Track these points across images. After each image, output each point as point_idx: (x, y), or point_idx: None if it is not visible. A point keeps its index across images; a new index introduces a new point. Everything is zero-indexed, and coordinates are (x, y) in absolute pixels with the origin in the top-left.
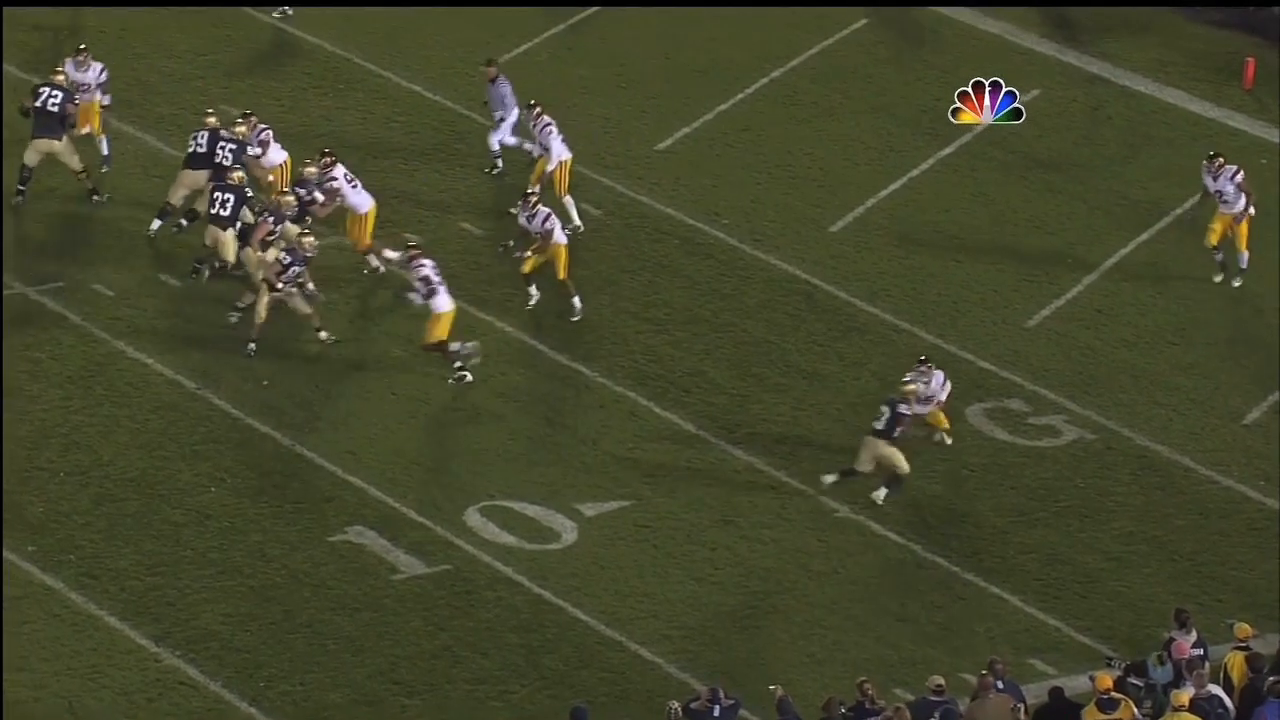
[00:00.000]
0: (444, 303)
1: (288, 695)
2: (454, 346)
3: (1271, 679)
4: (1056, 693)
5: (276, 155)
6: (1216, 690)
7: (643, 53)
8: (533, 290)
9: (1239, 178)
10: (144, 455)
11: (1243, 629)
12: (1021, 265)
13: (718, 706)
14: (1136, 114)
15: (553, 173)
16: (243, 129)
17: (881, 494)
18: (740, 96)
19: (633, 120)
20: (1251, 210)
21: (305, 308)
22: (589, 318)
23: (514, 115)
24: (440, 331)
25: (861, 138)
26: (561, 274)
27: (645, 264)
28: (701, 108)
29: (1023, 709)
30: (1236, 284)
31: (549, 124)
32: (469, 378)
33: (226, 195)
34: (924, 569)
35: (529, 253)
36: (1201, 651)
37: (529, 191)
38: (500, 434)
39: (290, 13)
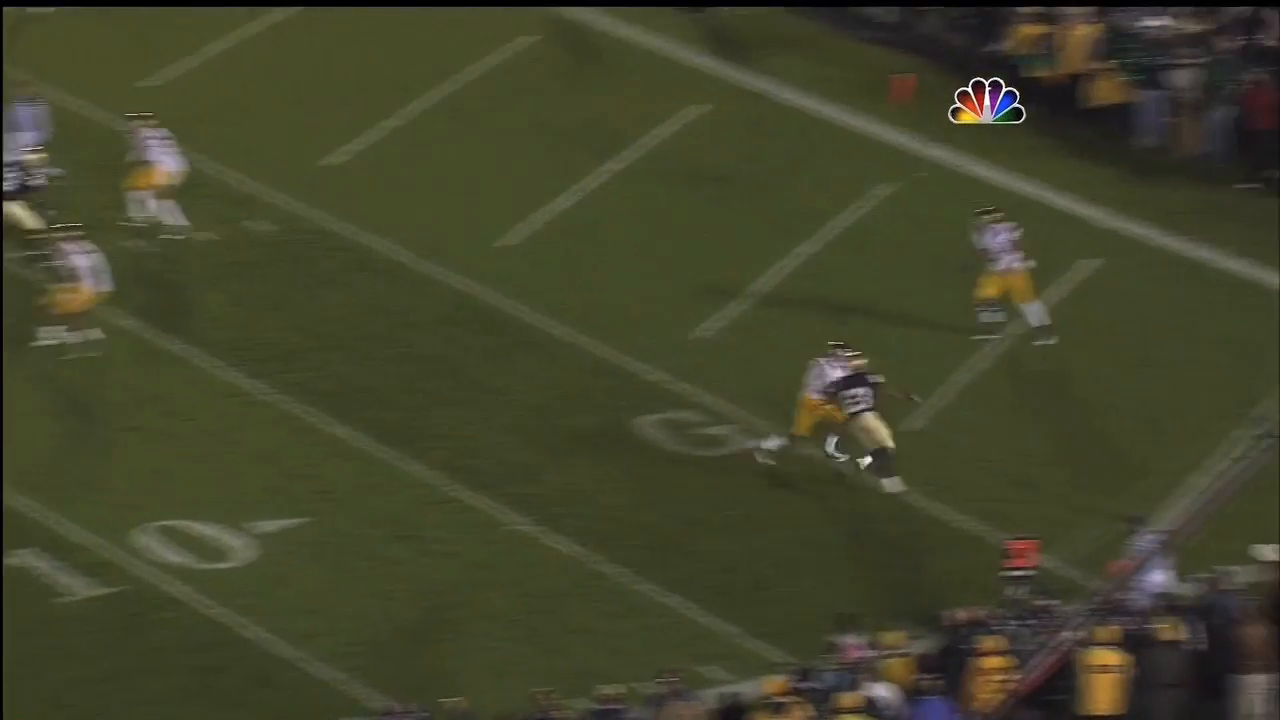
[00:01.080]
0: None
1: None
2: None
3: (927, 677)
4: (729, 698)
5: None
6: (880, 691)
7: (309, 68)
8: (61, 332)
9: (1013, 234)
10: None
11: (895, 637)
12: (690, 278)
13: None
14: (798, 128)
15: (160, 182)
16: None
17: (866, 460)
18: (408, 111)
19: (300, 135)
20: (1017, 265)
21: None
22: (262, 335)
23: (30, 139)
24: None
25: (531, 153)
26: (75, 307)
27: (317, 280)
28: (370, 123)
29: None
30: (1053, 341)
31: (154, 136)
32: None
33: None
34: (600, 579)
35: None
36: (868, 654)
37: (56, 225)
38: (171, 453)
39: None
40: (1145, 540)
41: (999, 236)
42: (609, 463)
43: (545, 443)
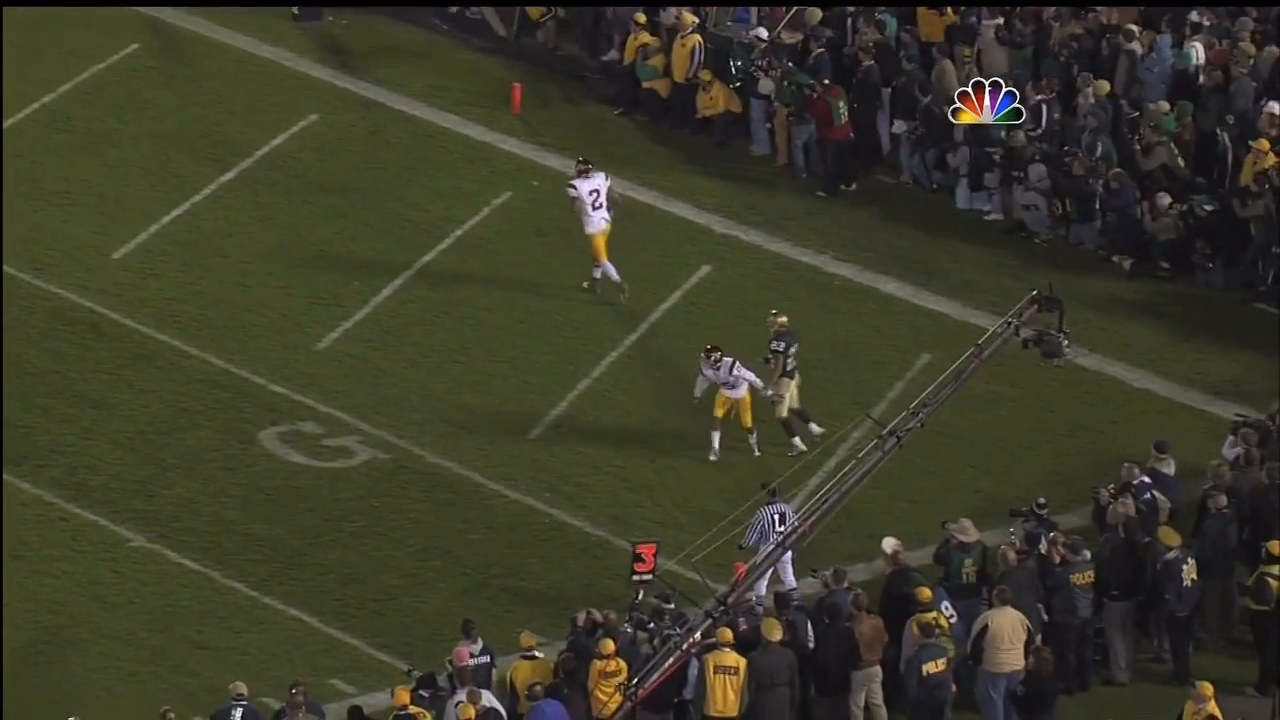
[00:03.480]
0: None
1: None
2: None
3: (539, 681)
4: (355, 711)
5: None
6: (493, 703)
7: None
8: None
9: (606, 185)
10: None
11: (527, 639)
12: (309, 289)
13: None
14: (414, 138)
15: None
16: None
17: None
18: (10, 123)
19: None
20: (604, 222)
21: None
22: None
23: None
24: None
25: (141, 163)
26: None
27: None
28: None
29: None
30: (626, 296)
31: None
32: None
33: None
34: (222, 595)
35: None
36: (488, 659)
37: None
38: None
39: None
40: (776, 512)
41: (592, 188)
42: (229, 476)
43: (163, 457)
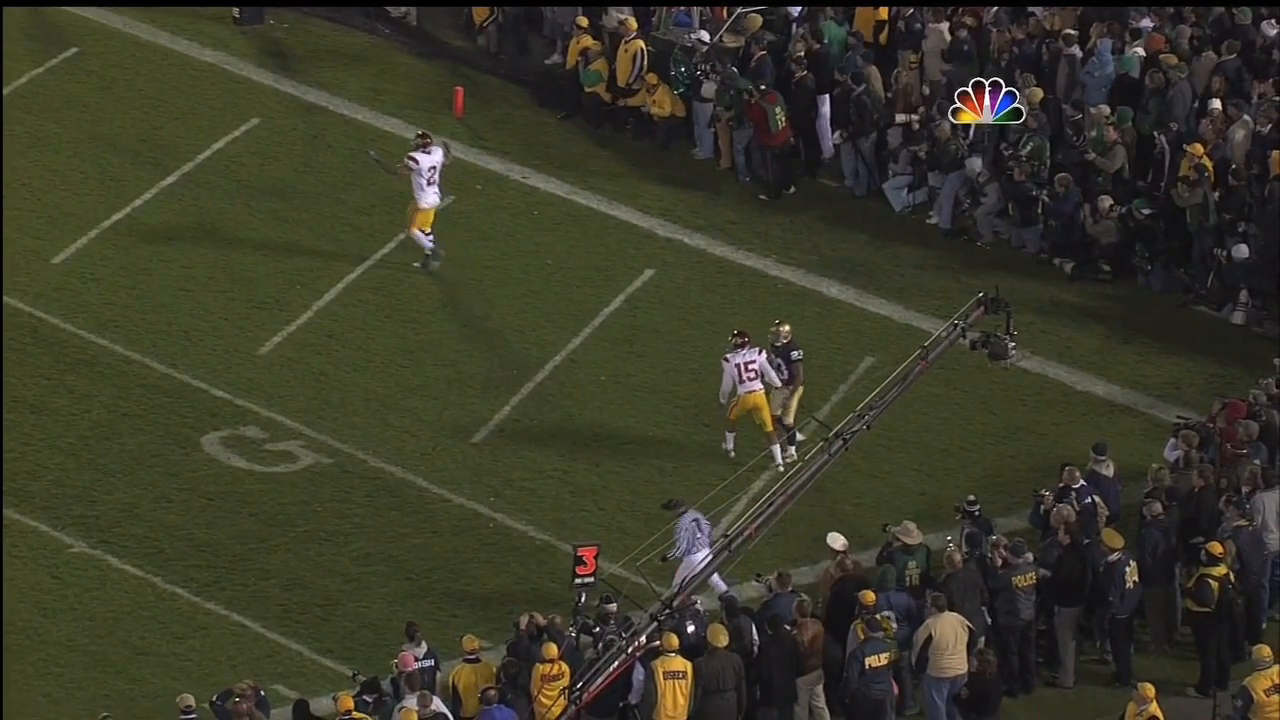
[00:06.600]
0: None
1: None
2: None
3: (490, 685)
4: (300, 706)
5: None
6: (441, 708)
7: None
8: None
9: (444, 161)
10: None
11: (470, 642)
12: (251, 293)
13: None
14: (355, 142)
15: None
16: None
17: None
18: None
19: None
20: (433, 199)
21: None
22: None
23: None
24: None
25: (80, 168)
26: None
27: None
28: None
29: None
30: (417, 265)
31: None
32: None
33: None
34: (164, 601)
35: None
36: (431, 663)
37: None
38: None
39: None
40: (691, 519)
41: (431, 163)
42: (171, 481)
43: (104, 462)
